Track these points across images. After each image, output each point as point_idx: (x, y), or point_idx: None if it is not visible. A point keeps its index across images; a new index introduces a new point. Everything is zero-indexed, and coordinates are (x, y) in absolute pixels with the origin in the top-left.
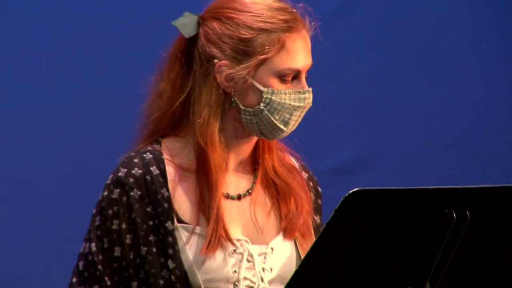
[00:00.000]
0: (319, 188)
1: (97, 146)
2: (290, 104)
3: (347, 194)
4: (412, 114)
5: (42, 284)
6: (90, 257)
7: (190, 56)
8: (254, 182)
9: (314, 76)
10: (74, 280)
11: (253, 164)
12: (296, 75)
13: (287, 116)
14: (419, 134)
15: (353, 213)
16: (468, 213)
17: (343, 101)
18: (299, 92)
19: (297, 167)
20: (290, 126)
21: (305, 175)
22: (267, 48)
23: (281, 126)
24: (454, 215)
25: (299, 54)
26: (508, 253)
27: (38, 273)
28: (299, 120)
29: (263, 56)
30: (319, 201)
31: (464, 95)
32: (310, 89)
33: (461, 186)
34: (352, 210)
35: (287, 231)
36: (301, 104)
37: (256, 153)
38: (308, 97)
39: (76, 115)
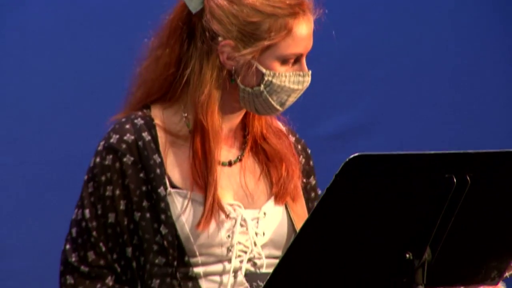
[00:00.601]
0: (308, 150)
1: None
2: (289, 87)
3: (347, 159)
4: (413, 79)
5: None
6: (83, 224)
7: (192, 27)
8: (244, 149)
9: (313, 39)
10: (68, 247)
11: (243, 130)
12: (297, 58)
13: (285, 97)
14: (420, 99)
15: (354, 178)
16: (468, 178)
17: (343, 65)
18: (299, 75)
19: (284, 131)
20: (285, 107)
21: (292, 138)
22: (274, 34)
23: (278, 107)
24: (455, 180)
25: (303, 39)
26: (508, 217)
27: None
28: (295, 100)
29: (269, 42)
30: (311, 163)
31: (466, 59)
32: (310, 72)
33: (462, 151)
34: (352, 176)
35: (278, 196)
36: (300, 87)
37: (246, 120)
38: (307, 80)
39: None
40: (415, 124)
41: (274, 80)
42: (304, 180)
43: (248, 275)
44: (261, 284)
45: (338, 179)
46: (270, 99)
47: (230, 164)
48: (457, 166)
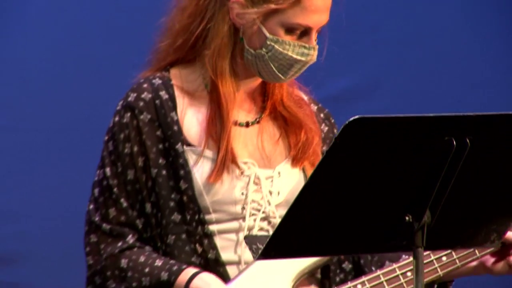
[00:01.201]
0: (331, 119)
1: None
2: (291, 57)
3: (347, 122)
4: (414, 42)
5: None
6: (104, 182)
7: None
8: (262, 113)
9: None
10: (91, 206)
11: (262, 95)
12: (306, 31)
13: (286, 66)
14: (420, 62)
15: (354, 141)
16: (468, 140)
17: (343, 27)
18: (304, 47)
19: (306, 100)
20: (288, 76)
21: (314, 107)
22: (282, 0)
23: (279, 74)
24: (454, 143)
25: (313, 12)
26: (508, 180)
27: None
28: (300, 72)
29: (276, 6)
30: (335, 131)
31: (465, 21)
32: (316, 46)
33: (461, 114)
34: (352, 138)
35: (296, 159)
36: (303, 59)
37: (267, 87)
38: (312, 54)
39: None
40: (415, 87)
41: (276, 46)
42: (324, 148)
43: (248, 238)
44: (261, 246)
45: (338, 141)
46: (271, 65)
47: (247, 125)
48: (456, 129)
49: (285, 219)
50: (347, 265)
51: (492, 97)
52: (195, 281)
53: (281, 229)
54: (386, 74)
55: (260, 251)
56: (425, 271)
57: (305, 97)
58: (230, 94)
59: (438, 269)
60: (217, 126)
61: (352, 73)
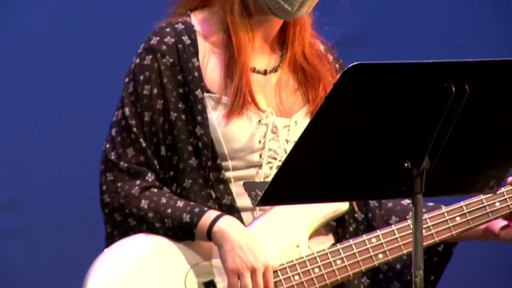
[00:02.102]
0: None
1: None
2: None
3: (346, 68)
4: None
5: None
6: (123, 122)
7: None
8: (281, 62)
9: None
10: (108, 146)
11: (281, 45)
12: None
13: None
14: (419, 8)
15: (353, 87)
16: (467, 86)
17: None
18: None
19: (323, 50)
20: (295, 8)
21: (330, 57)
22: None
23: (286, 6)
24: (453, 89)
25: None
26: (507, 126)
27: None
28: (309, 4)
29: None
30: None
31: None
32: None
33: (460, 60)
34: (351, 84)
35: (313, 110)
36: None
37: (286, 37)
38: None
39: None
40: (415, 33)
41: None
42: None
43: (247, 184)
44: (260, 193)
45: (337, 87)
46: None
47: (265, 73)
48: (456, 75)
49: (284, 165)
50: (359, 215)
51: (492, 43)
52: (219, 224)
53: (280, 176)
54: (384, 20)
55: (259, 198)
56: (439, 229)
57: (322, 47)
58: (244, 36)
59: (452, 229)
60: (234, 71)
61: (352, 19)
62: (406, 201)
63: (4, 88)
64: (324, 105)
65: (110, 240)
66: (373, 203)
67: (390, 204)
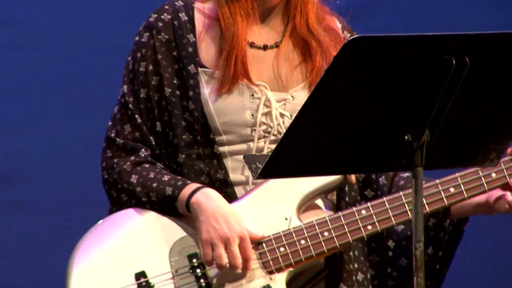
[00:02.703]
0: None
1: None
2: None
3: (346, 41)
4: None
5: None
6: (122, 100)
7: None
8: (283, 37)
9: None
10: (110, 123)
11: (284, 20)
12: None
13: None
14: None
15: (353, 60)
16: (467, 59)
17: None
18: None
19: (339, 28)
20: None
21: (347, 34)
22: None
23: None
24: (454, 62)
25: None
26: (507, 99)
27: None
28: None
29: None
30: None
31: None
32: None
33: (460, 33)
34: (351, 57)
35: (313, 85)
36: None
37: (289, 9)
38: None
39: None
40: (415, 6)
41: None
42: None
43: (247, 157)
44: (260, 166)
45: (337, 61)
46: None
47: (265, 48)
48: (456, 48)
49: (285, 138)
50: (369, 192)
51: (492, 16)
52: (197, 195)
53: (280, 148)
54: None
55: (259, 171)
56: (432, 200)
57: (339, 25)
58: (238, 9)
59: (445, 200)
60: (230, 46)
61: None
62: None
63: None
64: (324, 78)
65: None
66: (382, 181)
67: (401, 182)
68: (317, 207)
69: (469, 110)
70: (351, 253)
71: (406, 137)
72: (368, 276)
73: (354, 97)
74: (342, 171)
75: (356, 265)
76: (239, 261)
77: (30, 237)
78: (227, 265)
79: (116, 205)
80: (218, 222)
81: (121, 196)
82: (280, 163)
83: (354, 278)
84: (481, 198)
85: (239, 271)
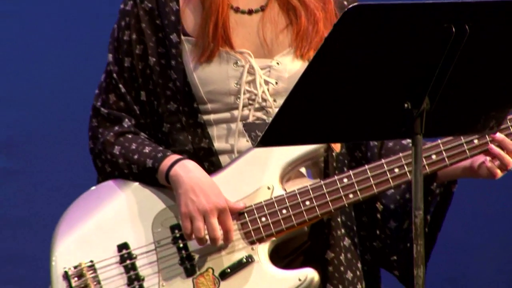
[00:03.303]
0: None
1: None
2: None
3: (346, 9)
4: None
5: None
6: (108, 68)
7: None
8: (268, 0)
9: None
10: (96, 92)
11: None
12: None
13: None
14: None
15: (353, 28)
16: (467, 27)
17: None
18: None
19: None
20: None
21: (345, 2)
22: None
23: None
24: (453, 30)
25: None
26: (506, 67)
27: None
28: None
29: None
30: None
31: None
32: None
33: (460, 1)
34: (351, 25)
35: (299, 49)
36: None
37: None
38: None
39: None
40: None
41: None
42: None
43: (247, 125)
44: (260, 134)
45: (337, 28)
46: None
47: (250, 12)
48: (456, 16)
49: (284, 106)
50: (357, 154)
51: None
52: (175, 168)
53: (280, 116)
54: None
55: (259, 139)
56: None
57: None
58: None
59: (426, 167)
60: (208, 11)
61: None
62: (407, 141)
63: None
64: (324, 45)
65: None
66: (373, 142)
67: (390, 144)
68: (302, 175)
69: (469, 78)
70: (338, 219)
71: (405, 105)
72: (356, 240)
73: (354, 65)
74: (341, 139)
75: (343, 231)
76: (218, 233)
77: (27, 204)
78: (207, 238)
79: (102, 175)
80: (196, 194)
81: (105, 167)
82: (280, 131)
83: (341, 244)
84: (466, 162)
85: (220, 243)
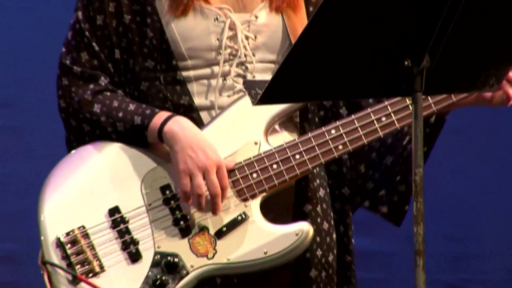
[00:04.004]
0: None
1: None
2: None
3: None
4: None
5: None
6: (77, 26)
7: None
8: None
9: None
10: (63, 49)
11: None
12: None
13: None
14: None
15: None
16: None
17: None
18: None
19: None
20: None
21: None
22: None
23: None
24: None
25: None
26: (507, 24)
27: None
28: None
29: None
30: None
31: None
32: None
33: None
34: None
35: (274, 3)
36: None
37: None
38: None
39: None
40: None
41: None
42: None
43: (247, 82)
44: (260, 91)
45: None
46: None
47: None
48: None
49: (284, 63)
50: (344, 111)
51: None
52: (169, 124)
53: (280, 74)
54: None
55: (259, 96)
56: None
57: None
58: None
59: (433, 106)
60: None
61: None
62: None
63: None
64: (323, 3)
65: (69, 145)
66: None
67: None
68: (276, 131)
69: (469, 35)
70: (314, 171)
71: (406, 62)
72: (327, 190)
73: (354, 22)
74: (341, 97)
75: (318, 181)
76: (218, 189)
77: (26, 162)
78: (207, 194)
79: (75, 134)
80: (194, 151)
81: (83, 126)
82: (280, 88)
83: (317, 195)
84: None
85: (218, 200)
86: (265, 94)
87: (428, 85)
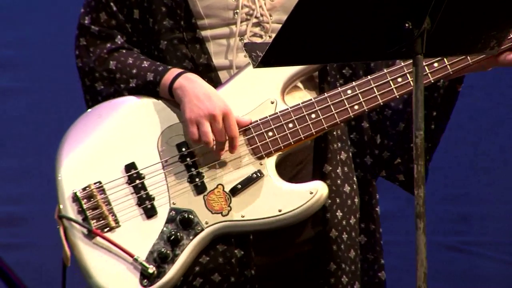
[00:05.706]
0: None
1: None
2: None
3: None
4: None
5: None
6: None
7: None
8: None
9: None
10: (82, 10)
11: None
12: None
13: None
14: None
15: None
16: None
17: None
18: None
19: None
20: None
21: None
22: None
23: None
24: None
25: None
26: None
27: None
28: None
29: None
30: None
31: None
32: None
33: None
34: None
35: None
36: None
37: None
38: None
39: None
40: None
41: None
42: None
43: (248, 45)
44: (261, 54)
45: None
46: None
47: None
48: None
49: (285, 26)
50: (347, 71)
51: None
52: (180, 80)
53: (281, 36)
54: None
55: (259, 59)
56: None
57: None
58: None
59: (429, 75)
60: None
61: None
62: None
63: None
64: None
65: (87, 105)
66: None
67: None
68: (299, 88)
69: None
70: (334, 133)
71: (406, 24)
72: (350, 154)
73: None
74: (342, 59)
75: (339, 145)
76: (224, 136)
77: (29, 122)
78: (214, 141)
79: (90, 94)
80: (200, 100)
81: (95, 85)
82: (281, 51)
83: (337, 157)
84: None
85: (226, 149)
86: (265, 57)
87: (429, 47)
